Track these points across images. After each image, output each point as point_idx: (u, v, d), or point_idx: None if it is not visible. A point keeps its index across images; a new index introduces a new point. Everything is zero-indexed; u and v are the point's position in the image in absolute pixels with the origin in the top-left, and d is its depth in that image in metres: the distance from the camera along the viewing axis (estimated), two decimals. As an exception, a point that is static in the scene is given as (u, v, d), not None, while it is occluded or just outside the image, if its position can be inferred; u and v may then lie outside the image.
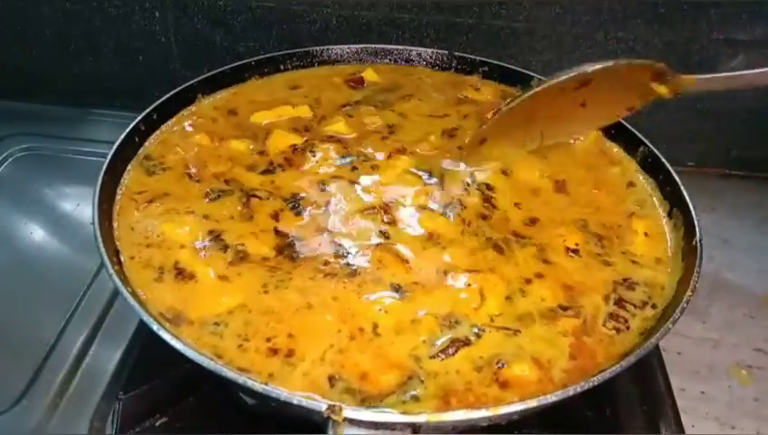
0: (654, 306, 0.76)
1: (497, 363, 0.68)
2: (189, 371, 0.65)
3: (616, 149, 0.99)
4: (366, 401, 0.64)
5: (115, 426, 0.80)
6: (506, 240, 0.82)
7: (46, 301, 0.95)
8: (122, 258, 0.76)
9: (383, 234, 0.81)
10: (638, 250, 0.83)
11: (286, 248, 0.79)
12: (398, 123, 1.00)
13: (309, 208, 0.84)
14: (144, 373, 0.84)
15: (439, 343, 0.70)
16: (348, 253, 0.79)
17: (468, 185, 0.89)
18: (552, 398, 0.62)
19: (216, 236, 0.79)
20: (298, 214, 0.83)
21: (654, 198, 0.91)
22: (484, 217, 0.85)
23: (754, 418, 0.88)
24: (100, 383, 0.84)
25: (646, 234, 0.85)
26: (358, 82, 1.09)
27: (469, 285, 0.76)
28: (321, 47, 1.12)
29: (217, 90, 1.03)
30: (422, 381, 0.66)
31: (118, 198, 0.84)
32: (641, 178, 0.95)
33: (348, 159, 0.92)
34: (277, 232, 0.81)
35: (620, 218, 0.88)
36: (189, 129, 0.96)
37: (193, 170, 0.89)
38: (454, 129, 1.00)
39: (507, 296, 0.75)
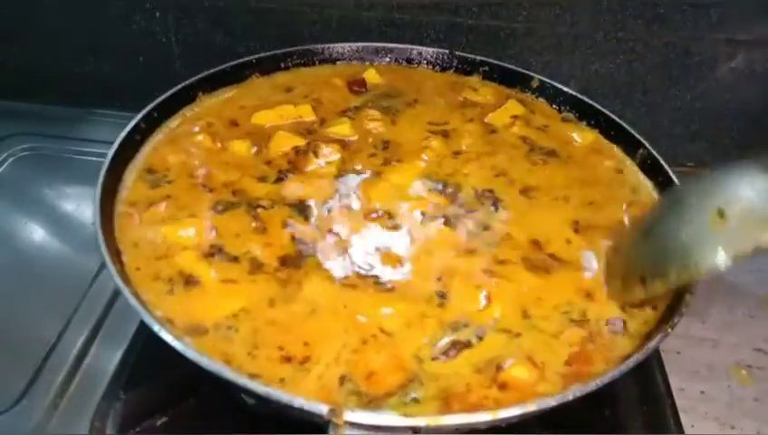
0: (654, 308, 0.76)
1: (497, 366, 0.68)
2: (190, 371, 0.65)
3: (615, 150, 0.99)
4: (371, 403, 0.64)
5: (116, 426, 0.80)
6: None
7: (47, 301, 0.95)
8: (124, 259, 0.76)
9: (391, 240, 0.81)
10: None
11: (297, 255, 0.79)
12: (401, 128, 1.00)
13: (317, 215, 0.84)
14: (145, 373, 0.84)
15: (440, 344, 0.70)
16: (358, 257, 0.79)
17: (474, 192, 0.89)
18: (552, 401, 0.62)
19: (220, 249, 0.78)
20: (306, 219, 0.83)
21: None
22: (488, 227, 0.85)
23: (754, 418, 0.88)
24: (101, 383, 0.84)
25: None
26: (360, 85, 1.08)
27: (479, 287, 0.76)
28: (322, 45, 1.12)
29: (218, 87, 1.03)
30: (422, 384, 0.66)
31: (120, 208, 0.82)
32: (628, 163, 0.97)
33: (353, 163, 0.92)
34: (294, 240, 0.81)
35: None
36: (191, 131, 0.96)
37: (199, 180, 0.88)
38: (453, 130, 1.00)
39: (519, 306, 0.75)
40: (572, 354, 0.71)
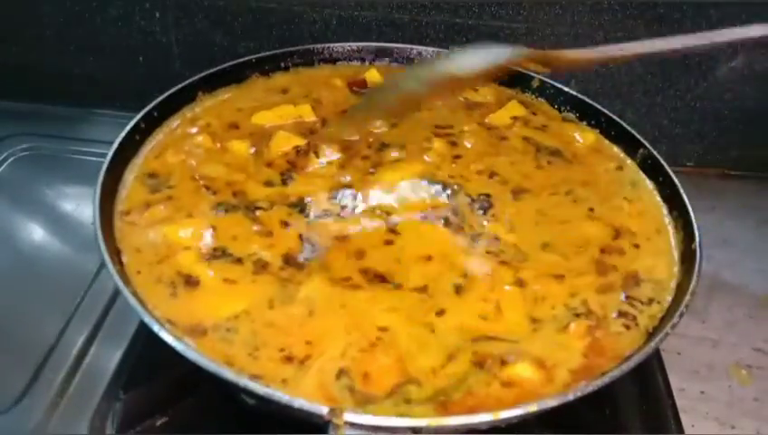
0: (659, 302, 0.77)
1: (501, 362, 0.68)
2: (190, 371, 0.65)
3: (615, 150, 0.99)
4: (366, 403, 0.64)
5: (115, 426, 0.80)
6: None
7: (47, 301, 0.95)
8: (124, 260, 0.76)
9: (392, 241, 0.81)
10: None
11: (300, 255, 0.79)
12: (403, 129, 0.99)
13: (317, 215, 0.84)
14: (144, 373, 0.84)
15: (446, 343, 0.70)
16: (361, 258, 0.79)
17: (469, 197, 0.89)
18: (552, 402, 0.62)
19: (224, 251, 0.78)
20: (307, 217, 0.83)
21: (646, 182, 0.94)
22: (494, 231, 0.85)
23: (754, 418, 0.89)
24: (101, 383, 0.84)
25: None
26: (361, 86, 1.08)
27: (485, 300, 0.76)
28: (323, 45, 1.12)
29: (218, 87, 1.03)
30: (420, 384, 0.66)
31: (120, 213, 0.82)
32: (629, 162, 0.97)
33: (354, 163, 0.92)
34: (301, 239, 0.80)
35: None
36: (191, 131, 0.95)
37: (200, 181, 0.87)
38: (458, 132, 0.99)
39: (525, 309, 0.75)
40: (586, 346, 0.71)
